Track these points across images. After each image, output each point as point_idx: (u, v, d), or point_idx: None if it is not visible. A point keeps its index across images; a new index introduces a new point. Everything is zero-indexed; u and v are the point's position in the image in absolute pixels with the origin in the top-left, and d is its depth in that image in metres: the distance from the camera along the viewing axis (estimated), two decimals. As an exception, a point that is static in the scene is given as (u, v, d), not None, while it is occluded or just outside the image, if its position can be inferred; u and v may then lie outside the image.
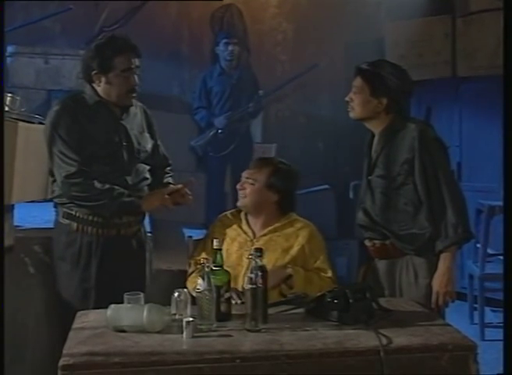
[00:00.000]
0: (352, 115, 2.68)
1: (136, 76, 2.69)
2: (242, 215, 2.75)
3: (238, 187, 2.72)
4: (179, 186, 2.78)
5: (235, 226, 2.71)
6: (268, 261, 2.55)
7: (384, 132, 2.66)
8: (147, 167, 2.82)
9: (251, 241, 2.65)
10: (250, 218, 2.72)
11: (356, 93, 2.65)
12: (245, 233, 2.68)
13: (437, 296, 2.54)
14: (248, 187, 2.68)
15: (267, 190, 2.67)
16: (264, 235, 2.67)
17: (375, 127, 2.68)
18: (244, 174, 2.73)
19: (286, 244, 2.64)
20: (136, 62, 2.69)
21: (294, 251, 2.63)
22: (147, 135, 2.84)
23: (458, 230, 2.52)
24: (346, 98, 2.67)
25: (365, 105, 2.64)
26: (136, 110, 2.83)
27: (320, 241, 2.71)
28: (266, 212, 2.69)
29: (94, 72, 2.66)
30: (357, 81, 2.65)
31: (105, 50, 2.65)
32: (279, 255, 2.61)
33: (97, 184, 2.61)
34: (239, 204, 2.73)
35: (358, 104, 2.64)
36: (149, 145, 2.83)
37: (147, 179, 2.82)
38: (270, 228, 2.68)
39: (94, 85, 2.70)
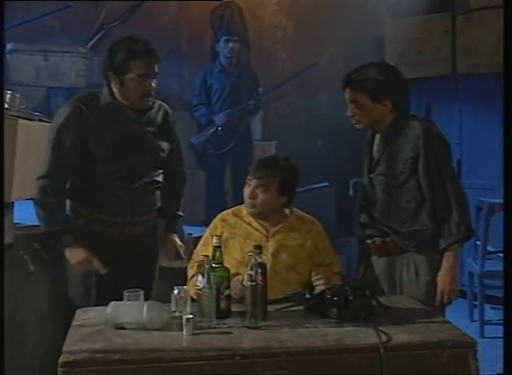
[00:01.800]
0: (360, 126, 2.63)
1: (152, 81, 2.64)
2: (245, 212, 2.66)
3: (248, 195, 2.59)
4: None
5: (244, 225, 2.63)
6: (286, 257, 2.56)
7: (387, 130, 2.64)
8: (160, 171, 2.80)
9: (266, 237, 2.59)
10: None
11: (357, 106, 2.58)
12: (257, 230, 2.62)
13: (442, 295, 2.54)
14: (260, 195, 2.57)
15: (279, 196, 2.59)
16: (278, 231, 2.61)
17: (380, 128, 2.67)
18: (253, 182, 2.58)
19: (301, 238, 2.61)
20: (155, 68, 2.64)
21: (308, 245, 2.60)
22: (163, 138, 2.80)
23: (461, 228, 2.51)
24: (349, 113, 2.61)
25: (371, 113, 2.59)
26: (158, 113, 2.80)
27: (327, 237, 2.70)
28: (275, 213, 2.64)
29: (110, 73, 2.64)
30: (351, 94, 2.59)
31: (122, 52, 2.60)
32: (296, 251, 2.58)
33: (60, 200, 2.65)
34: (250, 213, 2.61)
35: (364, 115, 2.59)
36: (164, 149, 2.80)
37: (159, 182, 2.80)
38: (283, 224, 2.62)
39: (112, 85, 2.67)
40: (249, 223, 2.63)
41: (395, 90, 2.60)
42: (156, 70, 2.66)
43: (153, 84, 2.66)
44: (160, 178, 2.82)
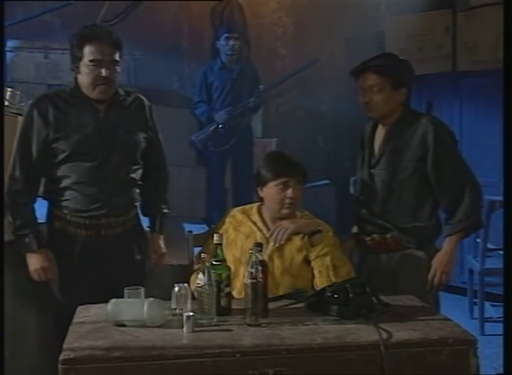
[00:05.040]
0: (373, 114, 2.61)
1: (106, 69, 2.52)
2: (254, 211, 2.66)
3: (291, 195, 2.52)
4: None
5: (249, 223, 2.62)
6: (282, 260, 2.55)
7: (395, 125, 2.62)
8: (137, 167, 2.69)
9: (267, 238, 2.57)
10: (265, 215, 2.64)
11: (376, 91, 2.55)
12: (260, 230, 2.60)
13: (434, 273, 2.55)
14: (299, 195, 2.56)
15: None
16: None
17: (388, 121, 2.64)
18: (291, 183, 2.54)
19: (300, 242, 2.58)
20: (114, 55, 2.53)
21: (305, 249, 2.56)
22: (138, 132, 2.68)
23: (470, 217, 2.53)
24: (365, 100, 2.57)
25: (388, 100, 2.57)
26: (132, 105, 2.70)
27: (335, 243, 2.61)
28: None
29: (71, 60, 2.58)
30: (372, 79, 2.55)
31: (76, 37, 2.54)
32: (293, 255, 2.56)
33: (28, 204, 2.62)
34: (287, 212, 2.56)
35: (381, 102, 2.56)
36: (140, 143, 2.69)
37: (135, 179, 2.70)
38: None
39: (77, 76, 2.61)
40: (254, 223, 2.63)
41: (408, 81, 2.61)
42: (116, 58, 2.55)
43: (105, 72, 2.52)
44: (137, 175, 2.70)
